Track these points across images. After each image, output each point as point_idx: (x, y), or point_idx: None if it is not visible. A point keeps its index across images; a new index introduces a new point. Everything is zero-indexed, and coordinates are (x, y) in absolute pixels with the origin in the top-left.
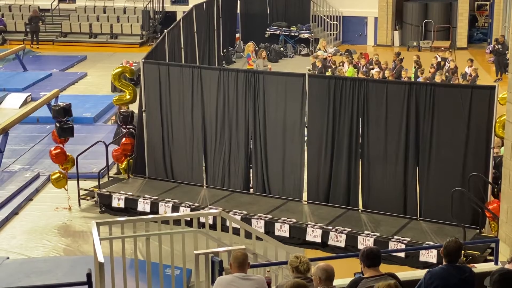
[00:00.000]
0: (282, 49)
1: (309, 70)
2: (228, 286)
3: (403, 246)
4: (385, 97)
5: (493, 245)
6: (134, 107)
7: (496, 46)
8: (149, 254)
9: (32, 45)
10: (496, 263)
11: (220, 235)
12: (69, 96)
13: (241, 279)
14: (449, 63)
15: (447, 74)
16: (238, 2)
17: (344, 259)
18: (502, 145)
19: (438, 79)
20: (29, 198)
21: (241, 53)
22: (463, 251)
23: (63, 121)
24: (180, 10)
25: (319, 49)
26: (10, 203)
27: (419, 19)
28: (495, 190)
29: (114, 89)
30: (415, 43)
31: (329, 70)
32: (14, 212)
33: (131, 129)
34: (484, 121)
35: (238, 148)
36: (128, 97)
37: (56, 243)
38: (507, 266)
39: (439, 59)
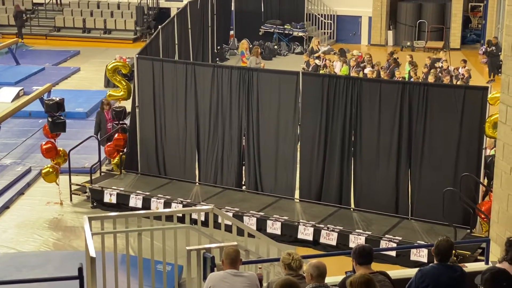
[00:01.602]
0: (276, 47)
1: (303, 69)
2: (220, 283)
3: (394, 245)
4: (378, 96)
5: (483, 245)
6: (127, 103)
7: (489, 48)
8: (140, 249)
9: (22, 40)
10: (487, 263)
11: (212, 232)
12: (61, 90)
13: (233, 276)
14: (442, 63)
15: (439, 74)
16: None
17: (335, 257)
18: (494, 147)
19: (431, 79)
20: (21, 192)
21: (235, 51)
22: (454, 251)
23: (56, 115)
24: (174, 7)
25: (312, 48)
26: (1, 197)
27: (413, 19)
28: (488, 191)
29: (107, 84)
30: (408, 43)
31: (324, 69)
32: (5, 206)
33: (124, 125)
34: (477, 122)
35: (231, 145)
36: (122, 93)
37: (47, 237)
38: (498, 265)
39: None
